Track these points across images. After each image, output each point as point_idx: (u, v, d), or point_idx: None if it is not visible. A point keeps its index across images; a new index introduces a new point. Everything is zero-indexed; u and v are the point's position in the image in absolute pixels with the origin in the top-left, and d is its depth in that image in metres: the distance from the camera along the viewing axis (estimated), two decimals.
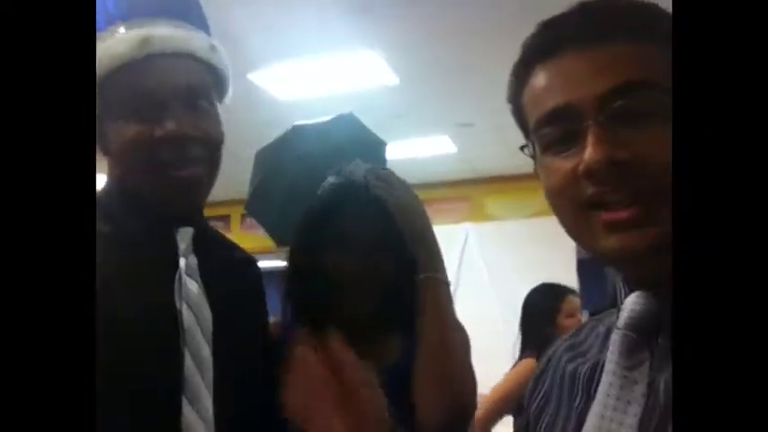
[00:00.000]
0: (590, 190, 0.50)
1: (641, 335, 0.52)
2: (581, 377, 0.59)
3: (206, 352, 0.75)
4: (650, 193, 0.49)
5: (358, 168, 0.99)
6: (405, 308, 0.96)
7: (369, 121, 1.91)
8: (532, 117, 0.56)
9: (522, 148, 0.59)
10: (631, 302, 0.54)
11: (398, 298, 0.96)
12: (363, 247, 0.92)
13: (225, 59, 0.82)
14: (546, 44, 0.55)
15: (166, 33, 0.74)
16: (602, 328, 0.62)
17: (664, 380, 0.49)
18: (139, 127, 0.73)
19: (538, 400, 0.66)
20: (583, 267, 6.07)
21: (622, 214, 0.49)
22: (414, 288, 0.95)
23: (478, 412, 1.13)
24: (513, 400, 2.03)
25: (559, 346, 0.68)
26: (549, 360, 0.67)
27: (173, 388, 0.72)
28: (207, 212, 0.88)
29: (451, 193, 6.24)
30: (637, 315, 0.53)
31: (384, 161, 1.86)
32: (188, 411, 0.72)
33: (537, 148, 0.56)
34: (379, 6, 3.04)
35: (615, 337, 0.54)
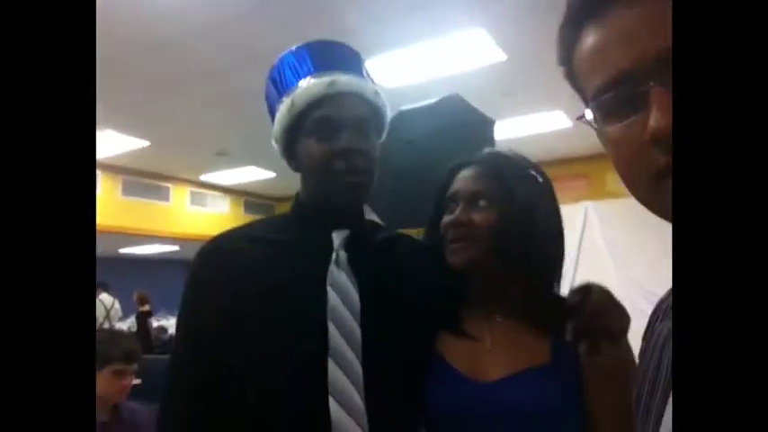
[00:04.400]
0: (662, 159, 0.46)
1: None
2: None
3: (353, 325, 0.94)
4: None
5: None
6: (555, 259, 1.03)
7: (477, 101, 1.87)
8: (590, 83, 0.53)
9: (578, 118, 0.56)
10: None
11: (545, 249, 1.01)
12: (523, 198, 1.00)
13: (385, 102, 1.05)
14: (593, 2, 0.52)
15: (346, 79, 0.99)
16: None
17: None
18: (323, 144, 0.97)
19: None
20: None
21: None
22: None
23: None
24: None
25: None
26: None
27: (317, 350, 0.92)
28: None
29: (569, 170, 5.97)
30: None
31: (493, 140, 1.82)
32: (335, 370, 0.90)
33: (597, 117, 0.53)
34: None
35: None
